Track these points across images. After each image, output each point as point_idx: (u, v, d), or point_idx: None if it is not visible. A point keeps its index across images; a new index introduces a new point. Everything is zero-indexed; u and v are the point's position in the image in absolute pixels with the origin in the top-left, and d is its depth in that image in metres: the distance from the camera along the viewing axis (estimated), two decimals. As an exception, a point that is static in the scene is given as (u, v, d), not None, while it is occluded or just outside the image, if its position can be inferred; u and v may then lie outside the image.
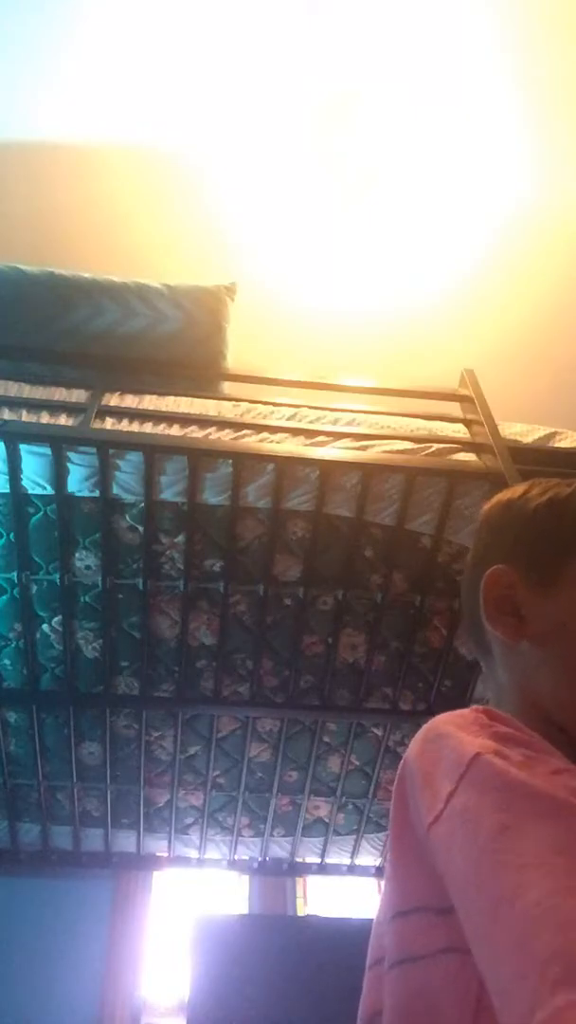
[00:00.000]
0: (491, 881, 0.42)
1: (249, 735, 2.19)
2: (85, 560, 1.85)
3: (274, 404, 1.92)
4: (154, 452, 1.69)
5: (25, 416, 1.74)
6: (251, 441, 1.77)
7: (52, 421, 1.74)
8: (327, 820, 2.45)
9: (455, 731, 0.53)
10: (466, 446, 1.87)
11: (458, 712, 0.56)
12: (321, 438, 1.80)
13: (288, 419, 1.86)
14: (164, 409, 1.86)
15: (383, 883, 0.58)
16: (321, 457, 1.73)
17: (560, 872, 0.40)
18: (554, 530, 0.66)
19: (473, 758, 0.48)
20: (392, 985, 0.52)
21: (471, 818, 0.46)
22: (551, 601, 0.63)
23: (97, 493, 1.74)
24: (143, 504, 1.76)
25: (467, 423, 2.00)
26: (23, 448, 1.67)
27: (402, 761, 0.57)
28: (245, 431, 1.80)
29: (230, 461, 1.70)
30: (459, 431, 1.96)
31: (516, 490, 0.73)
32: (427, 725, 0.57)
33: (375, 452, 1.77)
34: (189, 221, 2.86)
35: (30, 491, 1.74)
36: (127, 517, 1.81)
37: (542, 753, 0.50)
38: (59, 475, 1.69)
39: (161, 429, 1.76)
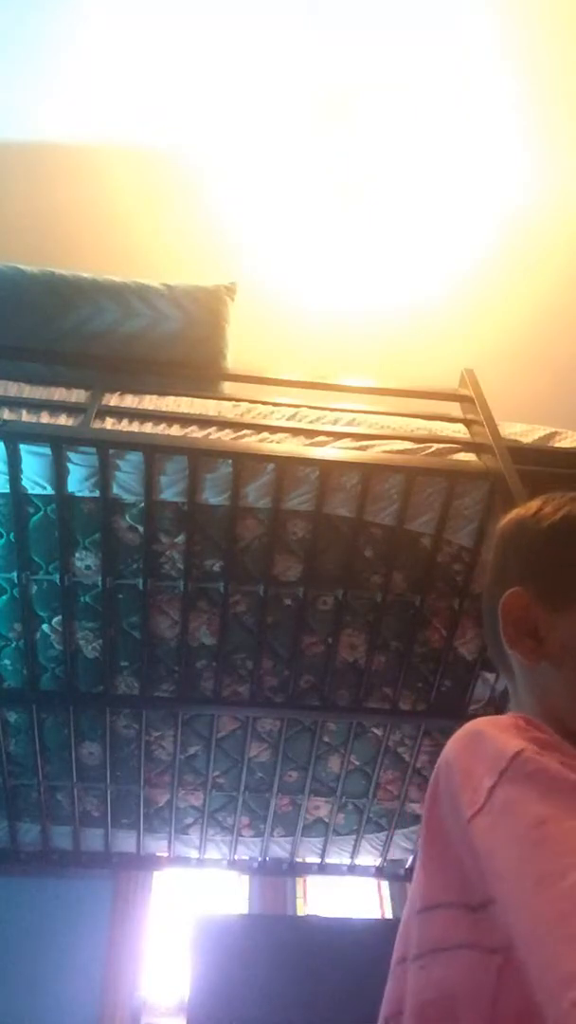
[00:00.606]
0: (532, 865, 0.44)
1: (249, 735, 2.19)
2: (85, 560, 1.85)
3: (274, 404, 1.92)
4: (154, 452, 1.69)
5: (25, 416, 1.74)
6: (251, 441, 1.77)
7: (52, 421, 1.74)
8: (327, 820, 2.45)
9: (495, 731, 0.54)
10: (466, 446, 1.87)
11: (495, 717, 0.58)
12: (321, 438, 1.80)
13: (288, 419, 1.86)
14: (164, 409, 1.86)
15: (411, 883, 0.59)
16: (321, 457, 1.73)
17: None
18: (566, 550, 0.67)
19: (516, 754, 0.50)
20: (414, 977, 0.53)
21: (513, 810, 0.47)
22: (567, 622, 0.64)
23: (97, 493, 1.74)
24: (143, 504, 1.76)
25: (467, 423, 2.00)
26: (23, 448, 1.67)
27: (438, 763, 0.58)
28: (245, 431, 1.80)
29: (230, 461, 1.70)
30: (459, 431, 1.96)
31: (530, 507, 0.73)
32: (464, 728, 0.58)
33: (375, 452, 1.77)
34: (189, 221, 2.86)
35: (30, 491, 1.75)
36: (127, 517, 1.81)
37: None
38: (59, 475, 1.69)
39: (161, 429, 1.76)
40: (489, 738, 0.54)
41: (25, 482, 1.72)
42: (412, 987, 0.53)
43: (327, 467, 1.72)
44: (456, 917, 0.51)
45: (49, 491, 1.73)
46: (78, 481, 1.73)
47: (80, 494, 1.75)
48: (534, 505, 0.72)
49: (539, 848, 0.44)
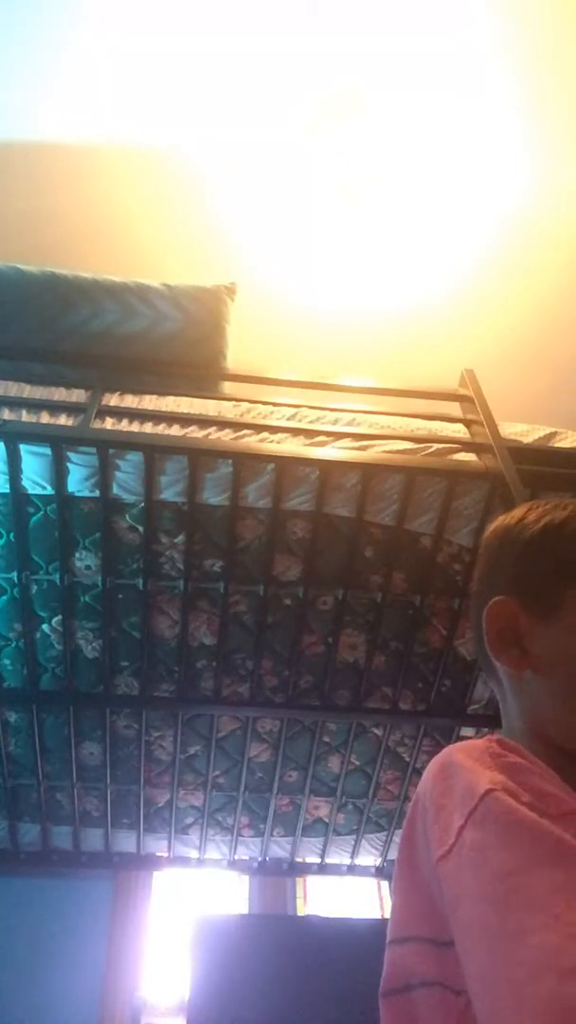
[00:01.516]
0: (494, 921, 0.43)
1: (249, 735, 2.19)
2: (85, 560, 1.85)
3: (274, 404, 1.92)
4: (154, 452, 1.69)
5: (25, 416, 1.74)
6: (251, 441, 1.77)
7: (52, 421, 1.74)
8: (327, 820, 2.45)
9: (467, 761, 0.53)
10: (466, 446, 1.87)
11: (471, 742, 0.56)
12: (321, 438, 1.80)
13: (288, 419, 1.86)
14: (164, 409, 1.86)
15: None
16: (321, 457, 1.73)
17: (563, 919, 0.40)
18: (550, 559, 0.66)
19: (484, 794, 0.48)
20: (384, 1013, 0.53)
21: (479, 856, 0.46)
22: (551, 631, 0.63)
23: (97, 493, 1.74)
24: (143, 504, 1.76)
25: (467, 423, 2.00)
26: (23, 448, 1.67)
27: (417, 791, 0.58)
28: (245, 431, 1.80)
29: (230, 461, 1.70)
30: (459, 431, 1.96)
31: (514, 515, 0.73)
32: (440, 755, 0.57)
33: (375, 452, 1.77)
34: (189, 221, 2.86)
35: (30, 491, 1.75)
36: (127, 517, 1.81)
37: (553, 788, 0.50)
38: (59, 475, 1.69)
39: (161, 429, 1.76)
40: (461, 771, 0.52)
41: (25, 482, 1.72)
42: (383, 1020, 0.53)
43: (327, 467, 1.72)
44: (424, 952, 0.50)
45: (49, 491, 1.73)
46: (78, 481, 1.73)
47: (80, 494, 1.75)
48: (518, 513, 0.72)
49: (500, 907, 0.43)
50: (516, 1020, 0.38)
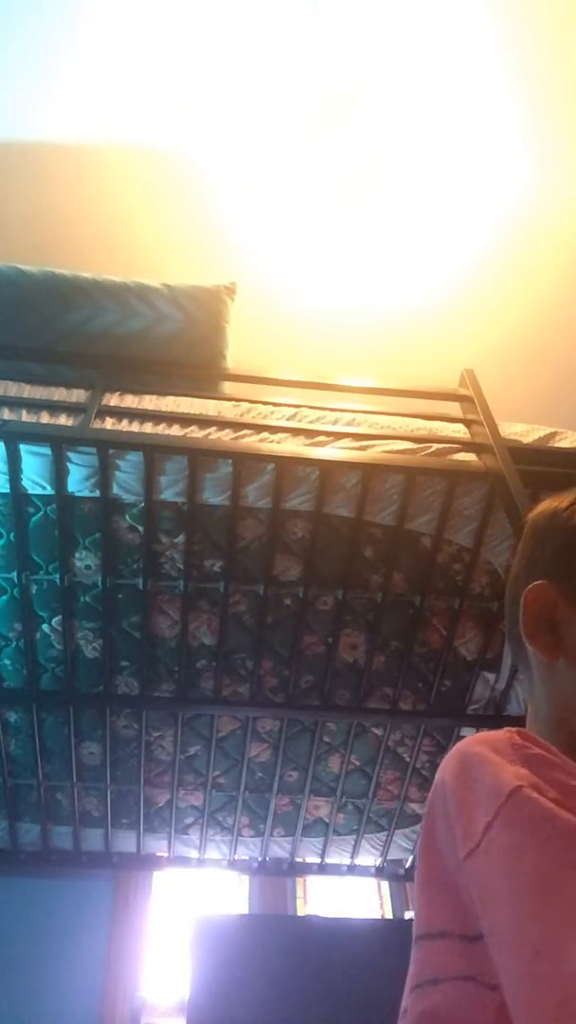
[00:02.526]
0: (532, 934, 0.42)
1: (249, 735, 2.19)
2: (85, 560, 1.85)
3: (274, 404, 1.92)
4: (154, 452, 1.69)
5: (25, 416, 1.74)
6: (251, 441, 1.77)
7: (52, 421, 1.74)
8: (327, 820, 2.45)
9: (489, 754, 0.52)
10: (466, 446, 1.87)
11: (490, 733, 0.55)
12: (321, 438, 1.80)
13: (288, 419, 1.86)
14: (164, 409, 1.86)
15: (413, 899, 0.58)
16: (321, 457, 1.73)
17: None
18: None
19: (513, 791, 0.47)
20: (411, 1006, 0.52)
21: (510, 858, 0.45)
22: None
23: (97, 493, 1.74)
24: (143, 504, 1.76)
25: (467, 423, 2.00)
26: (23, 448, 1.67)
27: (435, 783, 0.56)
28: (245, 431, 1.79)
29: (230, 461, 1.70)
30: (459, 431, 1.96)
31: (564, 499, 0.70)
32: (459, 746, 0.56)
33: (375, 452, 1.77)
34: (189, 221, 2.85)
35: (30, 491, 1.75)
36: (127, 517, 1.81)
37: None
38: (59, 475, 1.69)
39: (161, 429, 1.76)
40: (485, 765, 0.51)
41: (25, 482, 1.72)
42: (410, 1014, 0.52)
43: (327, 467, 1.72)
44: (454, 947, 0.49)
45: (49, 491, 1.73)
46: (78, 481, 1.73)
47: (80, 494, 1.76)
48: (569, 497, 0.70)
49: (536, 914, 0.42)
50: None
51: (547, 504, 0.72)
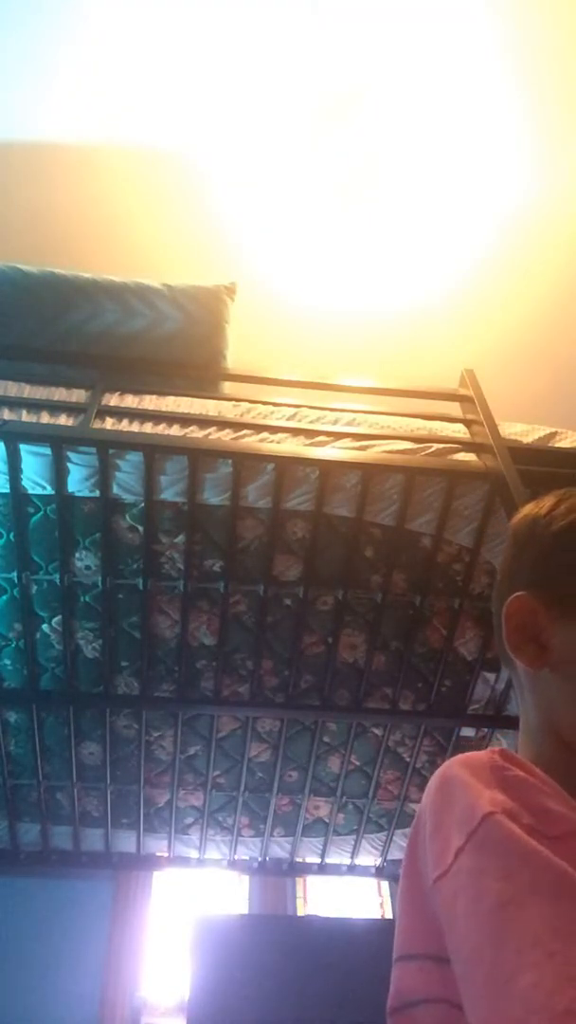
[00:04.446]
0: (489, 955, 0.42)
1: (249, 735, 2.19)
2: (85, 560, 1.85)
3: (274, 404, 1.92)
4: (154, 452, 1.69)
5: (25, 416, 1.74)
6: (251, 441, 1.77)
7: (52, 421, 1.74)
8: (327, 820, 2.45)
9: (468, 777, 0.52)
10: (466, 446, 1.87)
11: (473, 755, 0.55)
12: (321, 438, 1.80)
13: (288, 419, 1.86)
14: (164, 409, 1.86)
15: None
16: (321, 457, 1.73)
17: (558, 959, 0.39)
18: (574, 556, 0.64)
19: (485, 816, 0.47)
20: None
21: (475, 884, 0.45)
22: (571, 630, 0.62)
23: (97, 493, 1.74)
24: (143, 504, 1.76)
25: (467, 423, 2.00)
26: (23, 448, 1.67)
27: (420, 805, 0.57)
28: (245, 431, 1.80)
29: (230, 461, 1.70)
30: (459, 431, 1.96)
31: (543, 505, 0.70)
32: (442, 768, 0.56)
33: (375, 452, 1.77)
34: (189, 221, 2.85)
35: (30, 491, 1.75)
36: (127, 517, 1.81)
37: (555, 805, 0.49)
38: (59, 475, 1.69)
39: (161, 429, 1.76)
40: (462, 787, 0.51)
41: (25, 482, 1.72)
42: None
43: (327, 467, 1.72)
44: (428, 969, 0.50)
45: (49, 491, 1.73)
46: (78, 481, 1.73)
47: (80, 494, 1.76)
48: (547, 503, 0.69)
49: (495, 940, 0.42)
50: None
51: (527, 510, 0.71)
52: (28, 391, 1.85)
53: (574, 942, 0.40)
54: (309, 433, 1.80)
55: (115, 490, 1.76)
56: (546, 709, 0.63)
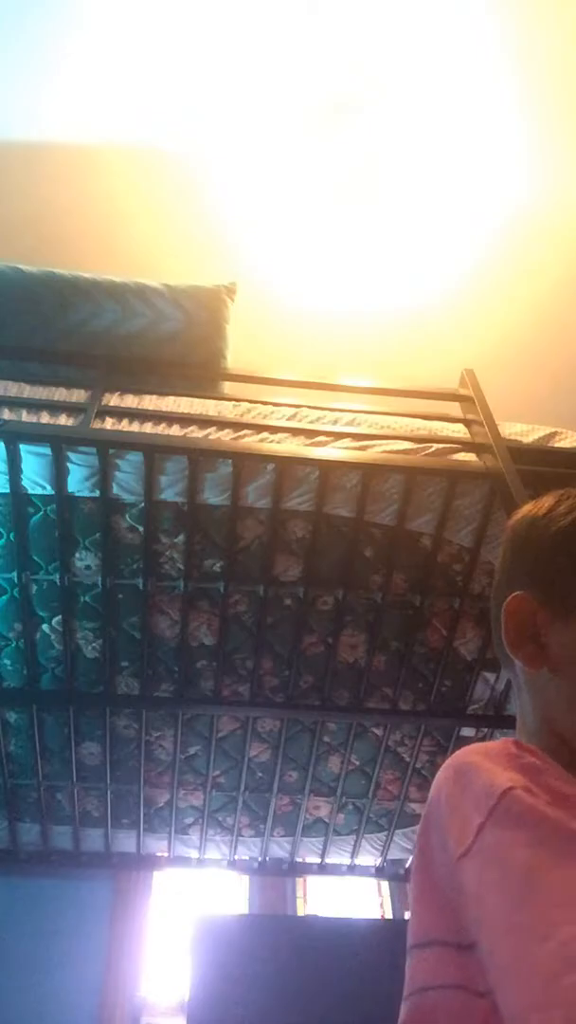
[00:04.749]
0: (521, 917, 0.43)
1: (249, 735, 2.19)
2: (85, 560, 1.85)
3: (274, 404, 1.92)
4: (154, 452, 1.69)
5: (25, 416, 1.74)
6: (251, 441, 1.77)
7: (52, 421, 1.74)
8: (327, 820, 2.45)
9: (484, 762, 0.53)
10: (466, 446, 1.87)
11: (487, 744, 0.56)
12: (321, 438, 1.80)
13: (288, 419, 1.86)
14: (164, 409, 1.86)
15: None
16: (321, 457, 1.73)
17: None
18: (574, 556, 0.64)
19: (505, 791, 0.48)
20: (403, 1015, 0.53)
21: (502, 855, 0.46)
22: (570, 629, 0.62)
23: (97, 493, 1.74)
24: (143, 504, 1.76)
25: (467, 423, 2.00)
26: (23, 448, 1.67)
27: (431, 792, 0.57)
28: (245, 431, 1.80)
29: (230, 461, 1.70)
30: (459, 431, 1.96)
31: (542, 505, 0.70)
32: (455, 755, 0.56)
33: (375, 452, 1.77)
34: (189, 221, 2.85)
35: (30, 491, 1.74)
36: (127, 517, 1.81)
37: (571, 790, 0.49)
38: (59, 475, 1.69)
39: (161, 429, 1.76)
40: (479, 771, 0.52)
41: (25, 482, 1.72)
42: (402, 1020, 0.53)
43: (327, 467, 1.72)
44: (445, 956, 0.50)
45: (49, 491, 1.73)
46: (78, 481, 1.73)
47: (80, 494, 1.75)
48: (546, 503, 0.69)
49: (526, 903, 0.43)
50: (548, 1014, 0.38)
51: (525, 510, 0.71)
52: (28, 391, 1.85)
53: None
54: (309, 433, 1.80)
55: (115, 490, 1.76)
56: (544, 709, 0.63)
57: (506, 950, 0.43)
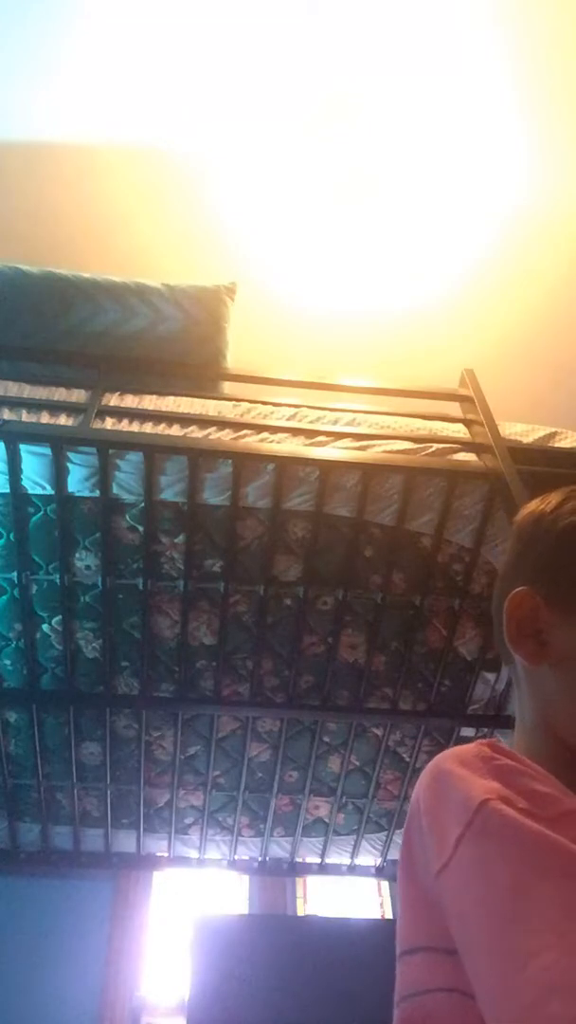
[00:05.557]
0: (501, 944, 0.42)
1: (249, 735, 2.19)
2: (85, 560, 1.85)
3: (274, 404, 1.92)
4: (154, 452, 1.69)
5: (25, 416, 1.74)
6: (251, 441, 1.77)
7: (52, 421, 1.74)
8: (327, 820, 2.45)
9: (459, 769, 0.52)
10: (466, 446, 1.87)
11: (461, 748, 0.55)
12: (321, 438, 1.80)
13: (288, 419, 1.86)
14: (164, 409, 1.86)
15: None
16: (321, 457, 1.73)
17: (568, 938, 0.40)
18: None
19: (481, 804, 0.48)
20: (397, 1020, 0.53)
21: (480, 873, 0.46)
22: (572, 626, 0.62)
23: (97, 493, 1.74)
24: (143, 504, 1.76)
25: (467, 423, 2.00)
26: (23, 448, 1.67)
27: (411, 801, 0.57)
28: (245, 431, 1.80)
29: (230, 461, 1.70)
30: (459, 431, 1.96)
31: (549, 501, 0.69)
32: (431, 764, 0.56)
33: (375, 452, 1.77)
34: (189, 221, 2.85)
35: (30, 491, 1.74)
36: (127, 517, 1.81)
37: (548, 789, 0.49)
38: (59, 475, 1.69)
39: (161, 429, 1.76)
40: (454, 779, 0.52)
41: (25, 482, 1.72)
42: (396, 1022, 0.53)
43: (327, 467, 1.72)
44: (436, 960, 0.50)
45: (49, 491, 1.73)
46: (78, 481, 1.73)
47: (80, 494, 1.75)
48: (554, 500, 0.69)
49: (505, 929, 0.43)
50: None
51: (532, 507, 0.71)
52: (28, 391, 1.85)
53: None
54: (309, 433, 1.80)
55: (115, 490, 1.76)
56: (543, 705, 0.63)
57: (487, 975, 0.43)
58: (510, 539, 0.73)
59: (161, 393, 1.94)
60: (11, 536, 1.79)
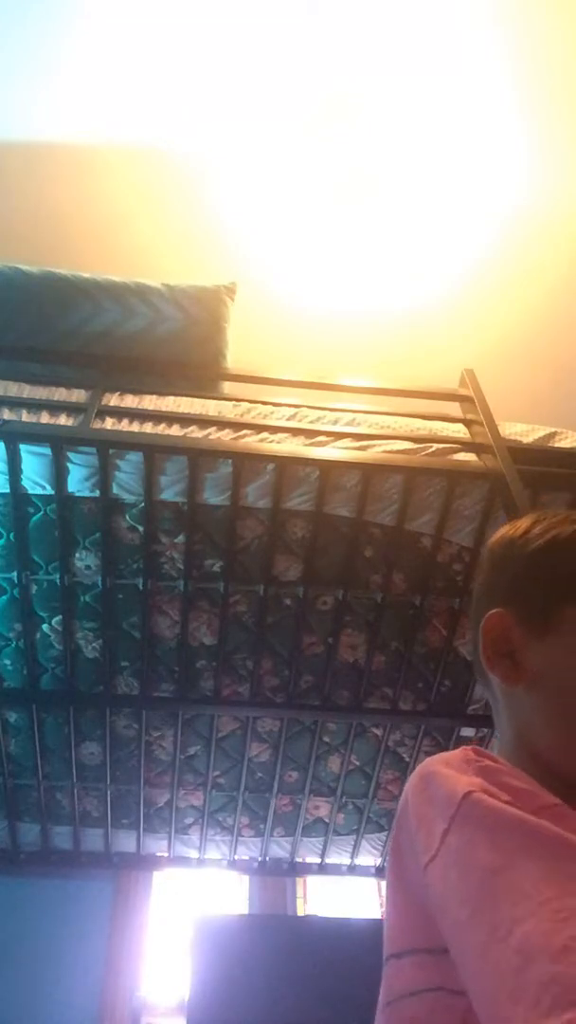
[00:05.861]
0: (484, 919, 0.44)
1: (249, 735, 2.19)
2: (85, 560, 1.85)
3: (274, 404, 1.92)
4: (154, 452, 1.69)
5: (25, 416, 1.74)
6: (251, 441, 1.77)
7: (52, 421, 1.74)
8: (327, 820, 2.45)
9: (444, 769, 0.55)
10: (466, 446, 1.87)
11: (447, 753, 0.58)
12: (321, 438, 1.80)
13: (288, 419, 1.86)
14: (164, 409, 1.86)
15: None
16: (321, 457, 1.73)
17: (551, 904, 0.41)
18: (549, 575, 0.66)
19: (464, 796, 0.50)
20: (386, 1019, 0.54)
21: (464, 857, 0.47)
22: (545, 647, 0.63)
23: (97, 493, 1.74)
24: (143, 504, 1.76)
25: (467, 423, 2.00)
26: (23, 448, 1.67)
27: (399, 805, 0.59)
28: (245, 431, 1.80)
29: (230, 461, 1.70)
30: (459, 431, 1.96)
31: (519, 526, 0.72)
32: (419, 768, 0.58)
33: (375, 452, 1.77)
34: (189, 221, 2.85)
35: (30, 491, 1.75)
36: (127, 517, 1.81)
37: (529, 787, 0.51)
38: (59, 475, 1.69)
39: (161, 429, 1.76)
40: (440, 779, 0.54)
41: (25, 482, 1.72)
42: None
43: (327, 467, 1.72)
44: (422, 962, 0.51)
45: (49, 491, 1.73)
46: (78, 481, 1.73)
47: (80, 494, 1.76)
48: (523, 524, 0.71)
49: (487, 904, 0.44)
50: (514, 1010, 0.38)
51: (504, 531, 0.74)
52: (28, 391, 1.85)
53: (566, 890, 0.41)
54: (309, 433, 1.81)
55: (115, 490, 1.76)
56: (520, 725, 0.64)
57: (472, 954, 0.44)
58: (482, 563, 0.75)
59: (161, 393, 1.94)
60: (11, 536, 1.79)
